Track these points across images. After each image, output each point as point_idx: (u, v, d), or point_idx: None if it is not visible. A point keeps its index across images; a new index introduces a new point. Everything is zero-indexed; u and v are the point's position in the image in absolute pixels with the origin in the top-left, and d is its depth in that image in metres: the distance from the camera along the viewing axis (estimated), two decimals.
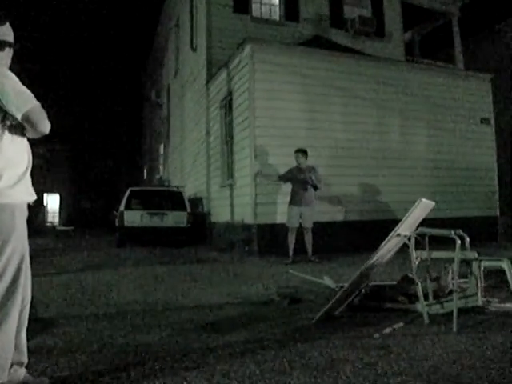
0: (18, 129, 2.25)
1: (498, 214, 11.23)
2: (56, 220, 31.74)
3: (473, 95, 11.31)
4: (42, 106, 2.27)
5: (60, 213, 32.52)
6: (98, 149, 30.60)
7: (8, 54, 2.40)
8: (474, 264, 3.80)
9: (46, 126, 2.24)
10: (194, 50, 13.77)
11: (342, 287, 4.08)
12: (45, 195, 29.47)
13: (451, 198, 10.30)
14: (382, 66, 10.56)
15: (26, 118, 2.18)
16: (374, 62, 10.67)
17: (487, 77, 11.69)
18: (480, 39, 17.31)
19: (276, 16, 12.96)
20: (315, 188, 8.01)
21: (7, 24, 2.40)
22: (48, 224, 28.15)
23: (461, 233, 3.71)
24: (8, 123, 2.22)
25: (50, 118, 2.26)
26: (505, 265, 3.70)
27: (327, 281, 5.08)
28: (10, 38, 2.40)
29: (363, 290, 4.10)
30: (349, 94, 9.84)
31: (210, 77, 12.03)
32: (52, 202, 31.83)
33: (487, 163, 11.27)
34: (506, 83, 15.44)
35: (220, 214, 11.25)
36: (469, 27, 16.28)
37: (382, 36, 14.09)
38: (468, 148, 10.99)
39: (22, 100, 2.18)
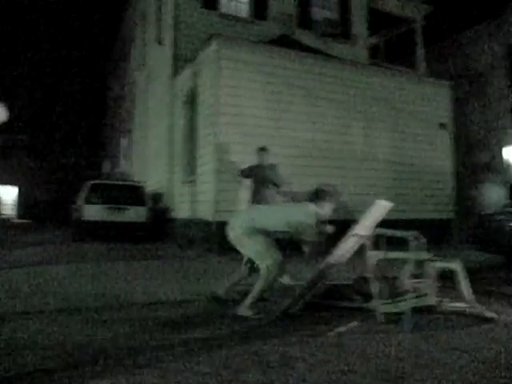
0: None
1: (454, 216, 11.58)
2: (13, 213, 30.73)
3: (432, 101, 11.61)
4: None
5: (17, 205, 31.49)
6: (59, 140, 29.78)
7: None
8: (428, 265, 3.91)
9: None
10: (160, 43, 13.58)
11: (299, 285, 4.11)
12: (0, 187, 28.44)
13: (411, 200, 10.55)
14: (346, 68, 10.70)
15: None
16: (338, 64, 10.79)
17: (447, 83, 12.04)
18: (443, 47, 17.79)
19: (244, 14, 12.93)
20: (276, 186, 8.02)
21: None
22: (3, 216, 27.22)
23: (417, 234, 3.80)
24: None
25: (7, 107, 2.16)
26: (457, 266, 3.82)
27: (285, 279, 5.11)
28: None
29: (320, 289, 4.14)
30: (313, 95, 9.92)
31: (176, 72, 11.89)
32: (8, 194, 30.77)
33: (444, 167, 11.60)
34: (465, 90, 15.92)
35: (181, 210, 11.14)
36: (433, 35, 16.74)
37: (347, 38, 14.29)
38: (426, 152, 11.28)
39: None
